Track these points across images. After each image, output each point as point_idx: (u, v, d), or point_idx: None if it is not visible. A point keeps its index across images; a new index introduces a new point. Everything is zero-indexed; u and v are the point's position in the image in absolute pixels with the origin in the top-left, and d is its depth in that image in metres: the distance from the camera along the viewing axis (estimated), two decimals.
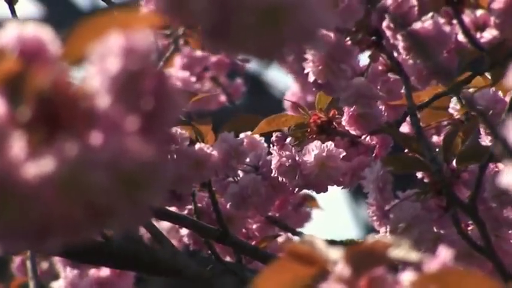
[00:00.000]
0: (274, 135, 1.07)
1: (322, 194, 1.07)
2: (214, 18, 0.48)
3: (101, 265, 1.29)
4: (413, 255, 0.60)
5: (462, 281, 0.57)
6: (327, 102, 1.07)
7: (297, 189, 1.07)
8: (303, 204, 1.24)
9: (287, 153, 1.05)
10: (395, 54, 0.95)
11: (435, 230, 0.92)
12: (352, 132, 1.05)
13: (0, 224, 0.47)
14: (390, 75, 1.00)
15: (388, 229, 0.91)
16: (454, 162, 0.95)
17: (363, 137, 1.07)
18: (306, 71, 0.98)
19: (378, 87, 1.01)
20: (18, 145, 0.48)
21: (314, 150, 1.04)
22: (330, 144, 1.04)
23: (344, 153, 1.05)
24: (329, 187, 1.07)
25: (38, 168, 0.47)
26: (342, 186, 1.07)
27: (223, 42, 0.48)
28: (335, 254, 0.60)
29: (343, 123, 1.04)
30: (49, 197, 0.47)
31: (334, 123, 1.07)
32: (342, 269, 0.59)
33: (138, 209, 0.47)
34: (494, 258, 0.87)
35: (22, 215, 0.47)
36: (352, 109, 1.03)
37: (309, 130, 1.07)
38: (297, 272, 0.60)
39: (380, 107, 1.05)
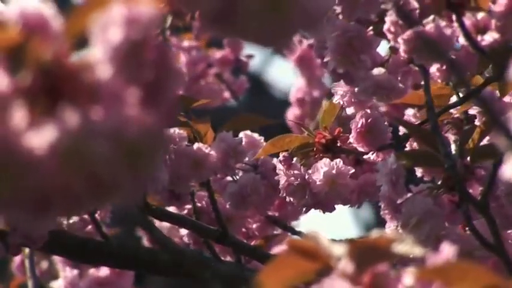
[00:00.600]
0: (281, 155, 1.06)
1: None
2: (219, 3, 0.47)
3: (101, 265, 1.29)
4: (416, 250, 0.59)
5: (465, 275, 0.57)
6: (331, 120, 1.06)
7: (304, 209, 1.06)
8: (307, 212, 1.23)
9: (295, 172, 1.04)
10: None
11: (447, 225, 0.92)
12: (360, 149, 1.04)
13: (0, 194, 0.46)
14: (411, 66, 0.99)
15: (399, 223, 0.91)
16: (468, 158, 0.95)
17: (370, 154, 1.06)
18: (325, 60, 0.97)
19: (399, 78, 1.00)
20: (19, 114, 0.47)
21: (323, 167, 1.03)
22: (338, 162, 1.03)
23: (353, 170, 1.04)
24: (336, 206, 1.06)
25: (40, 137, 0.47)
26: (349, 205, 1.07)
27: (227, 28, 0.48)
28: (338, 249, 0.60)
29: (351, 139, 1.03)
30: (50, 167, 0.47)
31: (338, 141, 1.06)
32: (345, 264, 0.58)
33: (139, 179, 0.47)
34: (503, 255, 0.87)
35: (22, 185, 0.47)
36: (359, 126, 1.02)
37: (314, 149, 1.06)
38: (300, 267, 0.59)
39: (380, 108, 1.05)
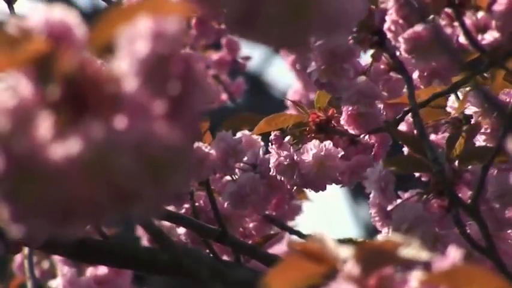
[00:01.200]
0: (272, 134, 1.07)
1: (320, 192, 1.07)
2: (243, 6, 0.47)
3: (100, 264, 1.29)
4: (423, 254, 0.59)
5: (472, 279, 0.57)
6: (326, 101, 1.08)
7: (294, 188, 1.07)
8: (293, 198, 1.24)
9: (285, 152, 1.05)
10: (397, 53, 0.95)
11: (437, 230, 0.92)
12: (351, 131, 1.05)
13: (25, 204, 0.47)
14: (392, 74, 1.00)
15: (390, 230, 0.91)
16: (456, 163, 0.95)
17: (362, 136, 1.07)
18: (308, 71, 0.98)
19: (380, 86, 1.01)
20: (45, 126, 0.48)
21: (312, 149, 1.04)
22: (328, 144, 1.04)
23: (342, 153, 1.05)
24: (328, 186, 1.07)
25: (64, 149, 0.47)
26: (340, 185, 1.07)
27: (250, 31, 0.48)
28: (345, 252, 0.59)
29: (342, 122, 1.04)
30: (74, 179, 0.47)
31: (333, 122, 1.07)
32: (351, 267, 0.58)
33: (162, 193, 0.47)
34: (495, 259, 0.87)
35: (46, 196, 0.47)
36: (351, 108, 1.03)
37: (307, 129, 1.07)
38: (306, 270, 0.59)
39: (379, 106, 1.05)
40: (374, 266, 0.59)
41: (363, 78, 1.00)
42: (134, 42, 0.48)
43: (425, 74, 0.95)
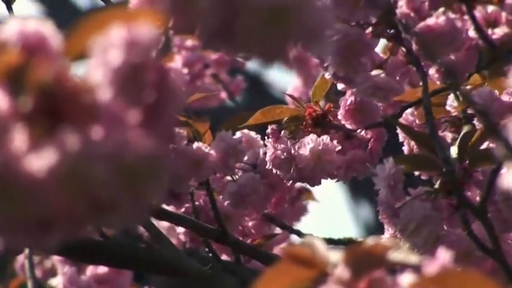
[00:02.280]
0: (269, 127, 1.07)
1: (318, 188, 1.08)
2: (219, 18, 0.47)
3: (100, 264, 1.29)
4: (412, 258, 0.59)
5: (462, 282, 0.57)
6: (322, 95, 1.07)
7: (291, 182, 1.06)
8: (298, 198, 1.23)
9: (282, 146, 1.05)
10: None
11: (445, 228, 0.92)
12: (348, 126, 1.04)
13: (1, 217, 0.47)
14: (411, 66, 0.99)
15: (397, 228, 0.91)
16: (467, 162, 0.95)
17: (358, 130, 1.06)
18: (325, 64, 0.97)
19: (397, 78, 1.00)
20: (20, 138, 0.48)
21: (310, 143, 1.04)
22: (325, 138, 1.04)
23: (339, 147, 1.04)
24: (325, 182, 1.07)
25: (40, 161, 0.47)
26: (336, 180, 1.07)
27: (227, 43, 0.48)
28: (335, 256, 0.59)
29: (339, 117, 1.04)
30: (51, 191, 0.47)
31: (329, 116, 1.07)
32: (341, 271, 0.58)
33: (139, 202, 0.47)
34: (501, 260, 0.87)
35: (23, 209, 0.47)
36: (348, 103, 1.03)
37: (304, 123, 1.07)
38: (296, 274, 0.59)
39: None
40: (364, 270, 0.59)
41: (379, 71, 0.99)
42: (107, 52, 0.48)
43: (442, 69, 0.94)
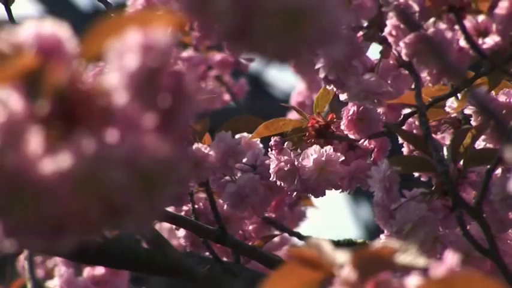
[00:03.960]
0: (272, 139, 1.06)
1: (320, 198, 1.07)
2: (236, 20, 0.47)
3: (100, 265, 1.29)
4: (420, 261, 0.59)
5: (469, 285, 0.57)
6: (325, 106, 1.07)
7: (295, 193, 1.06)
8: (297, 204, 1.24)
9: (285, 157, 1.05)
10: None
11: (440, 230, 0.92)
12: (351, 136, 1.04)
13: (16, 220, 0.47)
14: (402, 70, 0.99)
15: (393, 229, 0.91)
16: (461, 162, 0.95)
17: (361, 140, 1.06)
18: (316, 67, 0.97)
19: (389, 81, 1.00)
20: (35, 140, 0.48)
21: (313, 154, 1.03)
22: (329, 149, 1.04)
23: (343, 158, 1.04)
24: (327, 191, 1.06)
25: (55, 164, 0.47)
26: (340, 190, 1.07)
27: (244, 44, 0.48)
28: (341, 258, 0.59)
29: (342, 127, 1.04)
30: (65, 194, 0.47)
31: (332, 127, 1.07)
32: (348, 273, 0.58)
33: (153, 206, 0.47)
34: (498, 261, 0.87)
35: (37, 212, 0.47)
36: (351, 113, 1.03)
37: (307, 134, 1.07)
38: (303, 276, 0.60)
39: (379, 109, 1.05)
40: (371, 272, 0.59)
41: (372, 75, 0.99)
42: (124, 56, 0.48)
43: (434, 72, 0.94)
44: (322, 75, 0.97)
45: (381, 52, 0.99)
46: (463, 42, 0.93)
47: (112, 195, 0.46)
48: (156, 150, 0.47)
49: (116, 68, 0.48)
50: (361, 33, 0.97)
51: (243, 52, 0.48)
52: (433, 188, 0.94)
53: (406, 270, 0.60)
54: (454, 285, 0.57)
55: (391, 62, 0.99)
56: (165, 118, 0.48)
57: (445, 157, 0.93)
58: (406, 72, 0.98)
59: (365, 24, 0.97)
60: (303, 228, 1.23)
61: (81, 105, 0.48)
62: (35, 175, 0.46)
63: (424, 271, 0.59)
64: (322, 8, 0.47)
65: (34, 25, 0.49)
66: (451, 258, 0.58)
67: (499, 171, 0.93)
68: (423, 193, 0.93)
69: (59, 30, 0.49)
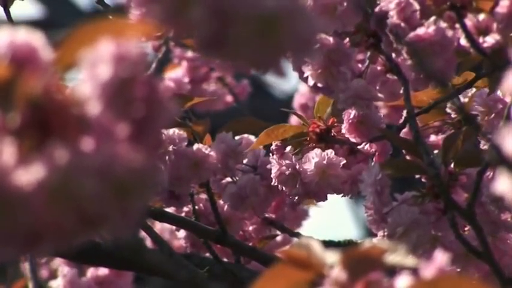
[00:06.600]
0: (273, 144, 1.06)
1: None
2: (212, 28, 0.48)
3: (100, 266, 1.29)
4: (409, 261, 0.60)
5: (458, 286, 0.57)
6: (325, 110, 1.07)
7: (296, 198, 1.07)
8: (299, 203, 1.23)
9: (287, 161, 1.05)
10: (393, 56, 0.95)
11: (433, 232, 0.92)
12: (352, 139, 1.04)
13: None
14: (389, 75, 1.00)
15: (385, 233, 0.91)
16: (452, 165, 0.95)
17: (362, 144, 1.06)
18: (305, 75, 0.97)
19: (377, 87, 1.00)
20: (8, 151, 0.48)
21: (314, 158, 1.03)
22: (330, 152, 1.04)
23: (344, 161, 1.04)
24: (329, 195, 1.06)
25: (29, 175, 0.47)
26: (341, 194, 1.07)
27: (220, 52, 0.48)
28: (331, 258, 0.60)
29: (343, 131, 1.04)
30: (39, 204, 0.47)
31: (333, 131, 1.07)
32: (338, 273, 0.59)
33: (128, 215, 0.47)
34: (491, 262, 0.87)
35: (12, 222, 0.47)
36: (352, 116, 1.03)
37: (308, 139, 1.07)
38: (293, 277, 0.60)
39: (381, 110, 1.05)
40: (360, 272, 0.59)
41: (360, 80, 1.00)
42: (96, 66, 0.48)
43: (421, 76, 0.94)
44: (310, 83, 0.98)
45: (368, 58, 0.99)
46: (463, 41, 0.93)
47: (85, 205, 0.47)
48: (129, 159, 0.47)
49: (88, 78, 0.48)
50: (347, 39, 0.97)
51: (219, 59, 0.48)
52: (424, 191, 0.94)
53: (397, 270, 0.61)
54: (443, 286, 0.57)
55: (378, 68, 1.00)
56: (138, 127, 0.48)
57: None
58: (394, 77, 0.98)
59: (352, 29, 0.97)
60: (303, 228, 1.23)
61: (55, 114, 0.48)
62: (8, 186, 0.46)
63: (414, 271, 0.59)
64: (297, 15, 0.47)
65: (7, 34, 0.49)
66: (440, 258, 0.59)
67: (490, 172, 0.93)
68: (415, 196, 0.93)
69: (33, 38, 0.49)
